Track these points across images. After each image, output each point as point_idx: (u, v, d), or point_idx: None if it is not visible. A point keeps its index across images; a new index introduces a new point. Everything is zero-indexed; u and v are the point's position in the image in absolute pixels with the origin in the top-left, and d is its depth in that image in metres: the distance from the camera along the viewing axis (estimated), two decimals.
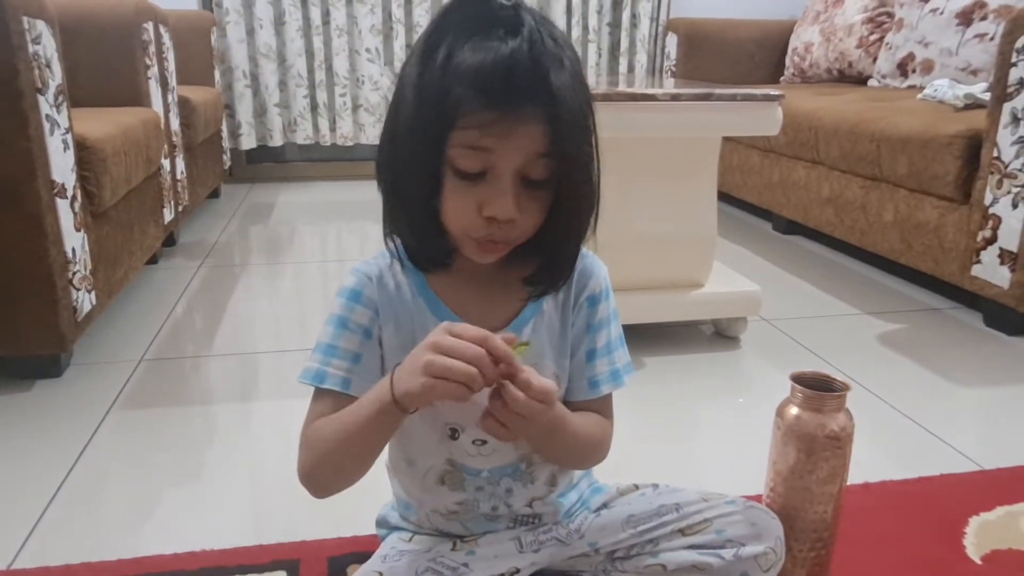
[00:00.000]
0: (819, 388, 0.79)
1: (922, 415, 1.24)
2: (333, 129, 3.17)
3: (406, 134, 0.61)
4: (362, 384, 0.68)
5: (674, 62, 3.02)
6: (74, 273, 1.30)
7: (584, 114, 0.61)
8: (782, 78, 2.98)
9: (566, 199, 0.63)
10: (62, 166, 1.27)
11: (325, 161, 3.36)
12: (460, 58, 0.57)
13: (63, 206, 1.27)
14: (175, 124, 2.14)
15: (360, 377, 0.68)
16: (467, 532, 0.76)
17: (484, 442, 0.71)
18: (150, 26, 1.93)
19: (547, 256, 0.67)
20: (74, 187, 1.32)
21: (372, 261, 0.71)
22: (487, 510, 0.75)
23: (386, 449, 0.77)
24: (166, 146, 1.97)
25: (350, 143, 3.19)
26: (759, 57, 3.00)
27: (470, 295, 0.70)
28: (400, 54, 3.13)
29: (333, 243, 2.38)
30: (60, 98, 1.28)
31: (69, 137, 1.31)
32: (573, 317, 0.73)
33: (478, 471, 0.73)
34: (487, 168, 0.59)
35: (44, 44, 1.23)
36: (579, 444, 0.71)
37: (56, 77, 1.27)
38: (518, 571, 0.74)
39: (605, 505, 0.80)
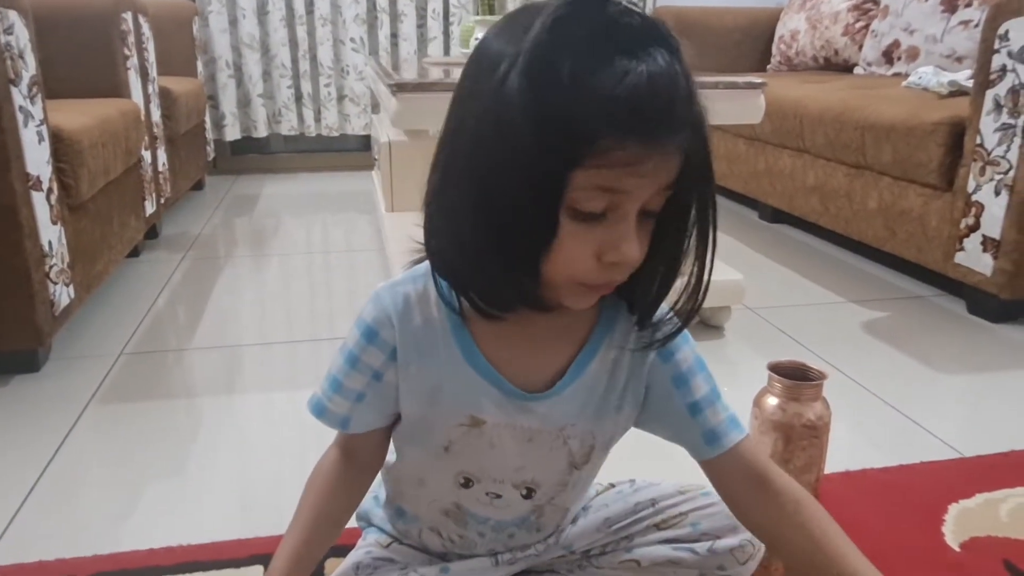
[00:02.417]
0: (796, 377, 0.79)
1: (904, 403, 1.24)
2: (318, 120, 3.15)
3: (505, 170, 0.48)
4: (363, 419, 0.64)
5: None
6: (51, 267, 1.28)
7: None
8: (768, 66, 2.97)
9: (700, 231, 0.54)
10: (37, 158, 1.25)
11: (310, 152, 3.34)
12: (597, 80, 0.45)
13: (38, 199, 1.25)
14: (156, 115, 2.11)
15: (361, 414, 0.64)
16: (454, 557, 0.75)
17: (498, 496, 0.66)
18: (129, 16, 1.91)
19: (658, 296, 0.58)
20: (50, 179, 1.30)
21: (399, 287, 0.60)
22: (483, 551, 0.73)
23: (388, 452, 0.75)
24: (147, 137, 1.95)
25: (335, 134, 3.17)
26: (746, 45, 3.00)
27: (513, 345, 0.60)
28: (385, 43, 3.11)
29: (319, 234, 2.37)
30: (34, 89, 1.26)
31: (44, 129, 1.29)
32: (645, 375, 0.63)
33: (486, 519, 0.69)
34: (610, 208, 0.49)
35: (16, 34, 1.21)
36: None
37: (30, 68, 1.25)
38: None
39: (583, 509, 0.78)
